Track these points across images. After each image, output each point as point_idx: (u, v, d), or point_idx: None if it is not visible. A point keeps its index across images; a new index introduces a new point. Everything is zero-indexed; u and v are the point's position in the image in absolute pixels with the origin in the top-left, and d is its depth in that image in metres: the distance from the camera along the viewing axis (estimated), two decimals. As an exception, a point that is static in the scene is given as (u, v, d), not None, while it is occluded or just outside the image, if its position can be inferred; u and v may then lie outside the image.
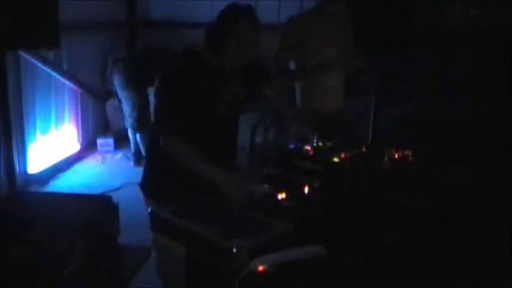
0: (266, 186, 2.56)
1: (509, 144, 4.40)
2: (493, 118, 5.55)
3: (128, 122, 6.62)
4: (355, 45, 3.71)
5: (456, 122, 5.72)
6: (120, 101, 6.73)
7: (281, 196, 2.45)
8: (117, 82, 6.54)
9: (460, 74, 6.11)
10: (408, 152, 3.02)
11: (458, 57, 6.11)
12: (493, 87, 5.85)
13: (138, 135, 6.59)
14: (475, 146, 4.81)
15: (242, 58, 2.80)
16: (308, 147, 2.99)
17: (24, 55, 5.49)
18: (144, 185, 3.01)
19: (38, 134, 6.00)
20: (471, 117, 5.75)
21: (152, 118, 3.07)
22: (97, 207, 2.71)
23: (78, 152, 6.96)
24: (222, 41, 2.72)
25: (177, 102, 2.70)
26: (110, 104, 7.43)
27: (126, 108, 6.58)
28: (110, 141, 7.31)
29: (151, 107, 6.54)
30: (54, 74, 6.26)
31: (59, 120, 6.52)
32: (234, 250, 1.92)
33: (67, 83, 6.61)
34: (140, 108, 6.52)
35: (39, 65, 5.89)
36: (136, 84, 6.49)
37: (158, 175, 2.96)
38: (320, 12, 3.82)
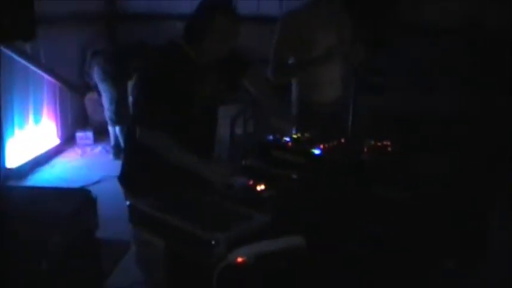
0: (245, 178, 2.56)
1: (489, 136, 4.45)
2: (472, 111, 5.60)
3: (107, 114, 6.59)
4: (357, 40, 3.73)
5: (436, 115, 5.76)
6: (99, 94, 6.70)
7: (260, 188, 2.45)
8: (96, 75, 6.51)
9: (442, 68, 6.16)
10: (387, 143, 3.03)
11: (440, 51, 6.16)
12: (474, 81, 5.90)
13: (117, 128, 6.56)
14: (455, 137, 4.85)
15: (221, 51, 2.79)
16: (287, 139, 2.99)
17: (1, 49, 5.42)
18: (123, 178, 2.99)
19: (16, 128, 5.93)
20: (452, 109, 5.80)
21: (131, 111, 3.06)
22: (75, 201, 2.70)
23: (57, 146, 6.90)
24: (200, 34, 2.71)
25: (155, 95, 2.69)
26: (89, 97, 7.37)
27: (105, 101, 6.56)
28: (89, 134, 7.26)
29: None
30: (32, 67, 6.19)
31: (38, 114, 6.45)
32: (213, 242, 1.91)
33: (45, 76, 6.54)
34: (119, 101, 6.48)
35: (17, 58, 5.83)
36: (116, 77, 6.46)
37: (136, 168, 2.94)
38: (318, 5, 3.81)
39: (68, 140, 7.17)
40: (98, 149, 7.08)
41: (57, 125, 6.95)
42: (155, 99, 2.68)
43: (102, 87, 6.54)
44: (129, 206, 2.28)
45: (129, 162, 3.01)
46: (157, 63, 2.80)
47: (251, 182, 2.50)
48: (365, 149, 2.98)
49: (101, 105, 6.75)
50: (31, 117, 6.29)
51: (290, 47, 3.77)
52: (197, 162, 2.61)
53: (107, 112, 6.55)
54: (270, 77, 3.68)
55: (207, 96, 2.87)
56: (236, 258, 1.85)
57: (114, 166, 5.99)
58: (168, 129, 2.64)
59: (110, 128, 6.69)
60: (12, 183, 5.55)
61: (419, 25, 6.19)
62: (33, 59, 6.20)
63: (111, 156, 6.72)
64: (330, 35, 3.76)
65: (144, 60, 2.93)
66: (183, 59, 2.77)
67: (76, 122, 7.44)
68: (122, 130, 6.46)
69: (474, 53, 5.98)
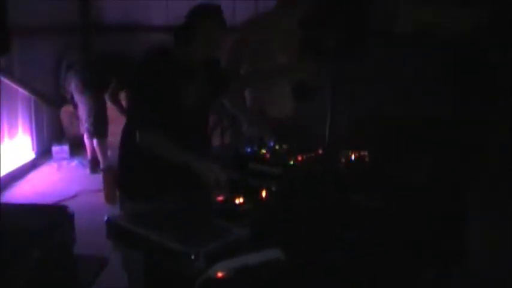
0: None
1: (463, 143, 4.49)
2: (446, 118, 5.65)
3: (84, 126, 6.53)
4: (303, 52, 3.74)
5: (412, 123, 5.80)
6: (75, 107, 6.64)
7: (238, 201, 2.44)
8: (73, 86, 6.45)
9: (416, 75, 6.21)
10: (364, 153, 3.05)
11: (414, 58, 6.21)
12: (446, 88, 5.95)
13: (95, 141, 6.51)
14: (429, 145, 4.89)
15: (206, 55, 2.92)
16: (264, 151, 3.00)
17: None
18: (119, 182, 3.07)
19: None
20: (425, 117, 5.84)
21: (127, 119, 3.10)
22: (52, 217, 2.67)
23: (33, 160, 6.84)
24: (188, 37, 2.85)
25: (148, 97, 2.80)
26: (65, 110, 7.33)
27: (83, 113, 6.49)
28: (65, 148, 7.20)
29: (108, 112, 6.51)
30: (5, 81, 6.13)
31: (12, 128, 6.39)
32: (192, 257, 1.91)
33: (19, 89, 6.48)
34: (97, 112, 6.44)
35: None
36: (93, 89, 6.41)
37: (132, 172, 3.01)
38: (275, 16, 3.82)
39: (43, 154, 7.11)
40: (74, 163, 7.02)
41: (32, 139, 6.88)
42: (149, 101, 2.80)
43: (79, 99, 6.48)
44: (107, 221, 2.26)
45: (125, 166, 3.07)
46: (146, 67, 2.91)
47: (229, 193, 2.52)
48: (342, 160, 2.99)
49: (77, 118, 6.70)
50: (5, 132, 6.22)
51: (242, 56, 3.78)
52: (193, 158, 2.75)
53: (85, 124, 6.49)
54: None
55: (195, 98, 2.94)
56: (216, 272, 1.85)
57: (91, 180, 5.99)
58: (163, 129, 2.76)
59: (87, 142, 6.63)
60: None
61: (388, 31, 6.25)
62: (7, 72, 6.14)
63: (87, 170, 6.66)
64: (286, 47, 3.77)
65: (134, 65, 3.00)
66: (170, 61, 2.86)
67: (52, 135, 7.38)
68: (99, 143, 6.42)
69: (434, 58, 6.04)
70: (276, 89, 3.85)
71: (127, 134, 2.94)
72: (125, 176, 3.06)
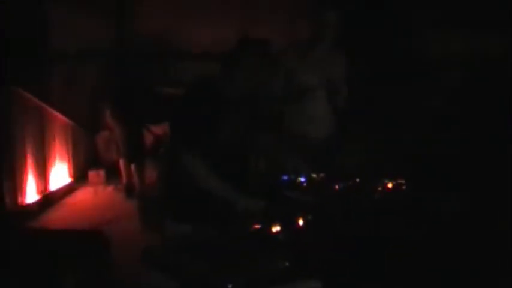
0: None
1: (498, 172, 4.41)
2: (481, 147, 5.58)
3: (122, 152, 6.58)
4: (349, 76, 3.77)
5: (445, 151, 5.74)
6: (111, 132, 6.71)
7: (275, 229, 2.43)
8: (110, 112, 6.52)
9: (449, 103, 6.16)
10: (402, 181, 3.02)
11: (447, 86, 6.16)
12: (482, 116, 5.89)
13: (132, 166, 6.56)
14: (465, 174, 4.82)
15: (248, 87, 2.96)
16: (301, 179, 2.99)
17: (14, 88, 5.46)
18: (166, 205, 3.08)
19: (28, 167, 5.94)
20: (460, 146, 5.78)
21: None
22: (88, 242, 2.69)
23: (69, 185, 6.91)
24: (231, 69, 2.92)
25: (191, 124, 2.87)
26: (101, 135, 7.41)
27: (120, 138, 6.56)
28: (101, 173, 7.25)
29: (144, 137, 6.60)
30: (44, 106, 6.24)
31: (50, 152, 6.48)
32: (229, 286, 1.89)
33: (57, 114, 6.59)
34: (134, 138, 6.50)
35: (30, 97, 5.87)
36: (130, 114, 6.48)
37: (176, 194, 3.01)
38: (311, 47, 3.88)
39: (80, 179, 7.18)
40: (110, 188, 7.07)
41: (69, 164, 6.96)
42: (193, 127, 2.86)
43: (116, 125, 6.55)
44: (144, 249, 2.27)
45: (170, 188, 3.09)
46: (190, 97, 2.98)
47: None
48: (379, 188, 2.96)
49: (113, 143, 6.76)
50: (43, 156, 6.31)
51: (280, 83, 3.81)
52: (230, 187, 2.78)
53: (122, 150, 6.56)
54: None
55: (235, 127, 2.99)
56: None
57: (127, 205, 6.01)
58: (205, 156, 2.82)
59: (122, 166, 6.68)
60: (24, 222, 5.54)
61: (427, 59, 6.22)
62: (46, 98, 6.24)
63: (123, 195, 6.69)
64: (313, 74, 3.81)
65: (182, 95, 3.10)
66: (212, 92, 2.91)
67: (88, 160, 7.46)
68: (137, 168, 6.47)
69: (480, 86, 5.98)
70: (308, 112, 3.89)
71: (171, 158, 2.99)
72: (170, 198, 3.09)
